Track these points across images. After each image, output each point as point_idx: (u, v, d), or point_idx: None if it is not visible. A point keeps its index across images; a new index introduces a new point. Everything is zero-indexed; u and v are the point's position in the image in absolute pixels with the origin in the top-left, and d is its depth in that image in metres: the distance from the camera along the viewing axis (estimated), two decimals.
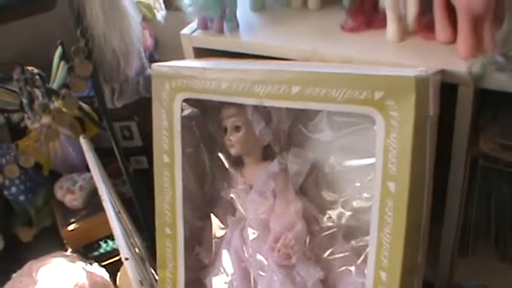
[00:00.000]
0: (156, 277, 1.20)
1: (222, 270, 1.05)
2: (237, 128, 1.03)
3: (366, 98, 0.82)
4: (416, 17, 1.01)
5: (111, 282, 1.34)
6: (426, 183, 0.85)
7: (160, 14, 1.45)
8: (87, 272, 1.30)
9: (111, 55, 1.28)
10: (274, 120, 1.02)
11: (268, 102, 0.92)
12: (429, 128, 0.84)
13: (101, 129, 1.47)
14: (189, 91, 1.00)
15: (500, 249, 1.18)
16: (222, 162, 1.08)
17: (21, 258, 1.34)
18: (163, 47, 1.58)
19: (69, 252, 1.44)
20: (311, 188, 1.02)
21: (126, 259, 1.15)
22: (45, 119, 1.33)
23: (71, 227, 1.47)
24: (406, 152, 0.80)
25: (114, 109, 1.49)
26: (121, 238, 1.19)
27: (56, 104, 1.34)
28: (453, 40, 0.96)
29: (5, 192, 1.53)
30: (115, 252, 1.43)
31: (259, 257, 0.99)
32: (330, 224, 0.98)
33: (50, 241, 1.51)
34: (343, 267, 0.95)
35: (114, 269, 1.37)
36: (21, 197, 1.54)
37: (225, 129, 1.05)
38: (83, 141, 1.38)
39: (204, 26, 1.15)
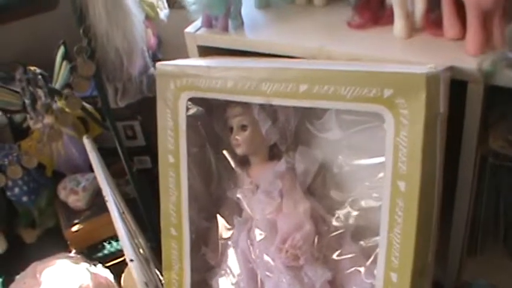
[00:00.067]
0: (161, 278, 1.20)
1: (229, 271, 1.04)
2: (243, 127, 1.02)
3: (375, 96, 0.81)
4: (424, 13, 0.99)
5: (115, 284, 1.33)
6: (436, 182, 0.84)
7: (164, 12, 1.44)
8: (91, 273, 1.30)
9: (114, 54, 1.27)
10: (280, 119, 1.01)
11: (275, 101, 0.91)
12: (439, 126, 0.82)
13: (104, 129, 1.46)
14: (194, 90, 0.99)
15: (509, 248, 1.16)
16: (228, 162, 1.07)
17: (25, 260, 1.34)
18: (166, 46, 1.57)
19: (73, 253, 1.43)
20: (319, 188, 1.01)
21: (131, 260, 1.15)
22: (48, 119, 1.33)
23: (74, 228, 1.47)
24: (417, 150, 0.79)
25: (117, 109, 1.47)
26: (125, 239, 1.19)
27: (59, 104, 1.34)
28: (462, 36, 0.94)
29: (8, 193, 1.52)
30: (119, 253, 1.42)
31: (266, 258, 0.98)
32: (338, 224, 0.97)
33: (54, 242, 1.50)
34: (352, 268, 0.94)
35: (118, 270, 1.37)
36: (24, 198, 1.54)
37: (231, 129, 1.04)
38: (86, 141, 1.37)
39: (208, 24, 1.13)
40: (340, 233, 0.96)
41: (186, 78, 0.99)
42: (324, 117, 0.96)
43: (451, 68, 0.88)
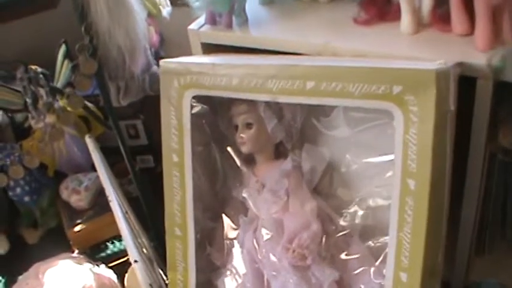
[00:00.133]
0: (164, 278, 1.19)
1: (234, 271, 1.03)
2: (248, 125, 1.01)
3: (384, 93, 0.80)
4: (431, 8, 0.98)
5: (119, 284, 1.32)
6: (446, 179, 0.83)
7: (166, 10, 1.43)
8: (94, 273, 1.29)
9: (116, 52, 1.27)
10: (286, 116, 1.00)
11: (281, 98, 0.90)
12: (449, 123, 0.81)
13: (106, 128, 1.45)
14: (199, 88, 0.97)
15: None
16: (233, 161, 1.06)
17: (27, 260, 1.33)
18: (169, 44, 1.56)
19: (75, 253, 1.42)
20: (326, 187, 1.00)
21: (136, 261, 1.14)
22: (50, 119, 1.32)
23: (77, 228, 1.46)
24: (427, 148, 0.78)
25: (119, 107, 1.48)
26: (129, 239, 1.18)
27: (61, 103, 1.33)
28: (470, 32, 0.93)
29: (10, 193, 1.51)
30: (122, 253, 1.42)
31: (272, 257, 0.97)
32: (346, 223, 0.96)
33: (56, 242, 1.49)
34: (360, 268, 0.93)
35: (121, 270, 1.35)
36: (26, 198, 1.53)
37: (236, 127, 1.02)
38: (89, 141, 1.36)
39: (212, 21, 1.12)
40: (348, 232, 0.95)
41: (190, 76, 0.98)
42: (331, 114, 0.94)
43: (460, 64, 0.86)
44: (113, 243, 1.48)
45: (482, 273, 1.13)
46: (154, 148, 1.61)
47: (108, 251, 1.47)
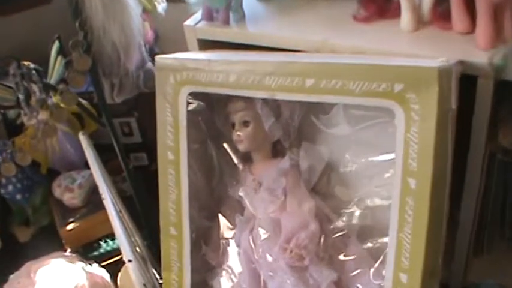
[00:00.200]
0: (158, 277, 1.18)
1: (230, 271, 1.02)
2: (245, 123, 0.99)
3: (385, 91, 0.79)
4: (431, 6, 0.97)
5: (111, 283, 1.30)
6: (447, 179, 0.82)
7: (161, 6, 1.41)
8: (86, 272, 1.27)
9: (110, 48, 1.25)
10: (284, 114, 0.99)
11: (280, 96, 0.89)
12: (450, 122, 0.80)
13: (100, 125, 1.44)
14: (195, 84, 0.96)
15: None
16: (230, 159, 1.05)
17: (19, 259, 1.31)
18: (164, 41, 1.55)
19: (68, 252, 1.41)
20: (324, 186, 0.98)
21: (129, 261, 1.12)
22: (43, 115, 1.31)
23: (69, 227, 1.44)
24: (428, 147, 0.77)
25: (113, 105, 1.46)
26: (123, 239, 1.17)
27: (54, 99, 1.31)
28: (471, 30, 0.93)
29: (2, 191, 1.50)
30: (115, 252, 1.41)
31: (269, 258, 0.96)
32: (345, 223, 0.95)
33: (48, 241, 1.48)
34: (359, 269, 0.92)
35: (114, 270, 1.33)
36: (18, 196, 1.52)
37: (233, 124, 1.01)
38: (82, 138, 1.34)
39: (208, 16, 1.11)
40: (346, 232, 0.94)
41: (187, 72, 0.96)
42: (330, 112, 0.93)
43: (461, 62, 0.85)
44: (105, 241, 1.47)
45: (480, 273, 1.12)
46: (149, 146, 1.60)
47: (101, 250, 1.46)
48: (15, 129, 1.48)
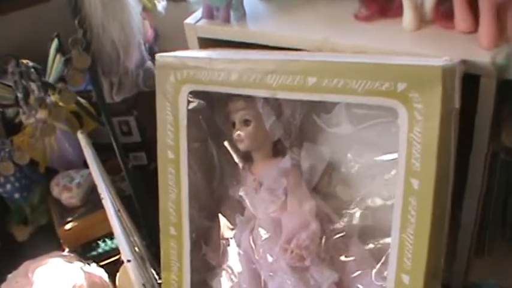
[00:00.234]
0: (157, 277, 1.18)
1: (230, 272, 1.01)
2: (246, 122, 0.99)
3: (388, 90, 0.78)
4: (434, 5, 0.97)
5: (110, 283, 1.30)
6: (450, 179, 0.81)
7: (161, 4, 1.41)
8: (85, 272, 1.27)
9: (110, 46, 1.24)
10: (285, 113, 0.98)
11: (281, 94, 0.88)
12: (453, 121, 0.80)
13: (99, 124, 1.43)
14: (196, 83, 0.96)
15: None
16: (230, 158, 1.04)
17: (17, 258, 1.31)
18: (163, 39, 1.54)
19: (66, 252, 1.40)
20: (325, 186, 0.98)
21: (128, 261, 1.12)
22: (41, 114, 1.30)
23: (68, 226, 1.43)
24: (431, 146, 0.76)
25: (112, 104, 1.45)
26: (122, 238, 1.16)
27: (53, 98, 1.31)
28: (473, 29, 0.92)
29: (0, 190, 1.49)
30: (114, 251, 1.40)
31: (270, 258, 0.95)
32: (346, 224, 0.94)
33: (46, 240, 1.47)
34: (360, 270, 0.91)
35: (113, 269, 1.33)
36: (16, 195, 1.51)
37: (233, 124, 1.00)
38: (81, 136, 1.33)
39: (209, 15, 1.10)
40: (348, 233, 0.93)
41: (187, 71, 0.96)
42: (332, 111, 0.92)
43: (464, 62, 0.85)
44: (104, 241, 1.46)
45: (481, 274, 1.11)
46: (148, 145, 1.59)
47: (100, 250, 1.45)
48: (13, 128, 1.47)
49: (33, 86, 1.27)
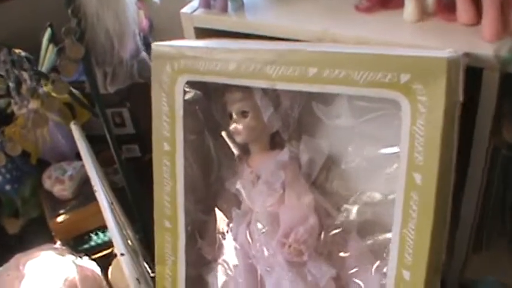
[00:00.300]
0: (149, 271, 1.16)
1: (226, 266, 0.99)
2: (243, 114, 0.97)
3: (391, 81, 0.76)
4: None
5: (102, 277, 1.29)
6: (452, 174, 0.80)
7: None
8: (77, 265, 1.25)
9: (104, 36, 1.22)
10: (283, 105, 0.96)
11: (281, 85, 0.86)
12: (456, 115, 0.78)
13: (93, 115, 1.41)
14: (193, 73, 0.94)
15: None
16: (228, 150, 1.02)
17: (8, 251, 1.29)
18: (158, 30, 1.53)
19: (58, 245, 1.38)
20: (324, 180, 0.96)
21: (122, 255, 1.10)
22: (33, 104, 1.28)
23: (59, 219, 1.41)
24: (435, 140, 0.75)
25: (105, 95, 1.44)
26: (116, 232, 1.14)
27: (45, 88, 1.29)
28: (476, 22, 0.91)
29: None
30: (106, 244, 1.39)
31: (267, 253, 0.94)
32: (345, 219, 0.92)
33: (38, 233, 1.46)
34: (359, 266, 0.90)
35: (105, 263, 1.32)
36: (7, 187, 1.49)
37: (230, 115, 0.99)
38: (74, 128, 1.32)
39: (206, 4, 1.09)
40: (347, 228, 0.92)
41: (184, 60, 0.94)
42: (333, 103, 0.91)
43: (467, 54, 0.84)
44: (96, 234, 1.44)
45: (478, 270, 1.11)
46: (141, 137, 1.58)
47: (92, 243, 1.43)
48: (5, 118, 1.44)
49: (26, 75, 1.25)
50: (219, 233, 1.02)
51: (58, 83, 1.23)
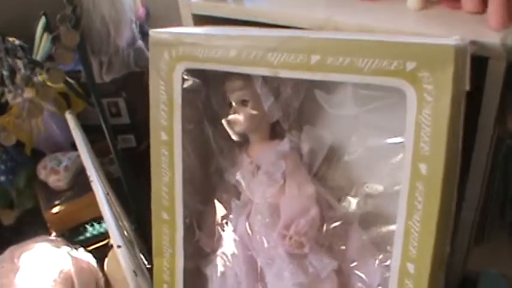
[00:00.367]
0: (145, 262, 1.15)
1: (225, 258, 0.98)
2: (243, 102, 0.95)
3: (397, 69, 0.75)
4: None
5: (98, 269, 1.28)
6: (458, 164, 0.79)
7: None
8: (72, 257, 1.24)
9: (100, 23, 1.22)
10: (284, 94, 0.94)
11: (283, 73, 0.84)
12: (462, 104, 0.77)
13: (88, 104, 1.40)
14: (192, 60, 0.92)
15: None
16: (227, 140, 1.00)
17: (2, 242, 1.29)
18: (154, 19, 1.51)
19: (53, 236, 1.37)
20: (326, 170, 0.94)
21: (119, 247, 1.09)
22: (28, 94, 1.26)
23: (55, 210, 1.40)
24: (441, 130, 0.73)
25: (101, 84, 1.42)
26: (112, 223, 1.13)
27: (40, 78, 1.27)
28: (481, 10, 0.90)
29: None
30: (102, 236, 1.38)
31: (267, 245, 0.92)
32: (347, 210, 0.91)
33: (33, 224, 1.45)
34: (361, 258, 0.89)
35: (101, 254, 1.31)
36: (2, 178, 1.47)
37: (230, 104, 0.97)
38: (69, 117, 1.31)
39: None
40: (349, 220, 0.91)
41: (183, 47, 0.92)
42: (336, 91, 0.89)
43: (473, 43, 0.82)
44: (92, 225, 1.43)
45: (479, 262, 1.10)
46: (137, 127, 1.56)
47: (88, 234, 1.41)
48: None
49: (20, 64, 1.24)
50: (218, 224, 1.00)
51: (53, 71, 1.22)
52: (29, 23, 1.28)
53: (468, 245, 1.04)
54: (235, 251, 0.96)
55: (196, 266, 1.03)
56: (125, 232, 1.22)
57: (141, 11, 1.41)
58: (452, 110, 0.73)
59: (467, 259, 1.08)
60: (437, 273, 0.79)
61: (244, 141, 1.00)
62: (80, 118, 1.38)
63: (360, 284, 0.89)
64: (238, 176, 0.97)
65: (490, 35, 0.84)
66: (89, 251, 1.32)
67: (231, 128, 0.98)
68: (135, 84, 1.40)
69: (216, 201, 1.01)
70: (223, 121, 0.98)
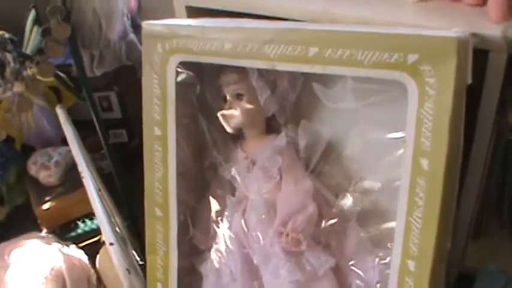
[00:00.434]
0: (138, 259, 1.14)
1: (220, 255, 0.97)
2: (238, 96, 0.93)
3: (397, 62, 0.73)
4: None
5: (90, 266, 1.26)
6: (459, 159, 0.77)
7: None
8: (63, 254, 1.23)
9: (91, 16, 1.20)
10: (280, 87, 0.93)
11: (280, 66, 0.83)
12: (464, 98, 0.75)
13: (79, 99, 1.38)
14: (186, 53, 0.90)
15: None
16: (222, 135, 0.99)
17: None
18: (146, 12, 1.50)
19: (44, 233, 1.36)
20: (323, 166, 0.93)
21: (111, 244, 1.08)
22: (18, 88, 1.24)
23: (45, 206, 1.38)
24: (443, 124, 0.72)
25: (92, 78, 1.40)
26: (104, 220, 1.12)
27: (29, 72, 1.25)
28: (481, 3, 0.89)
29: None
30: (94, 232, 1.36)
31: (263, 242, 0.91)
32: (345, 207, 0.90)
33: (23, 221, 1.43)
34: (359, 255, 0.88)
35: (93, 251, 1.29)
36: None
37: (225, 98, 0.95)
38: (60, 111, 1.29)
39: None
40: (346, 217, 0.89)
41: (176, 40, 0.90)
42: (334, 85, 0.87)
43: (474, 35, 0.80)
44: (83, 222, 1.41)
45: (476, 258, 1.09)
46: (128, 122, 1.55)
47: (79, 230, 1.40)
48: None
49: (9, 57, 1.21)
50: (213, 221, 0.99)
51: (43, 65, 1.20)
52: (19, 15, 1.25)
53: (466, 241, 1.03)
54: (231, 248, 0.95)
55: (190, 264, 1.01)
56: (117, 229, 1.20)
57: (133, 3, 1.39)
58: (454, 103, 0.71)
59: (465, 255, 1.07)
60: (438, 271, 0.77)
61: (240, 136, 0.98)
62: (71, 113, 1.35)
63: (357, 282, 0.88)
64: (233, 172, 0.96)
65: (491, 28, 0.83)
66: (81, 248, 1.30)
67: (226, 122, 0.96)
68: (126, 78, 1.39)
69: (210, 197, 1.00)
70: (219, 115, 0.97)
